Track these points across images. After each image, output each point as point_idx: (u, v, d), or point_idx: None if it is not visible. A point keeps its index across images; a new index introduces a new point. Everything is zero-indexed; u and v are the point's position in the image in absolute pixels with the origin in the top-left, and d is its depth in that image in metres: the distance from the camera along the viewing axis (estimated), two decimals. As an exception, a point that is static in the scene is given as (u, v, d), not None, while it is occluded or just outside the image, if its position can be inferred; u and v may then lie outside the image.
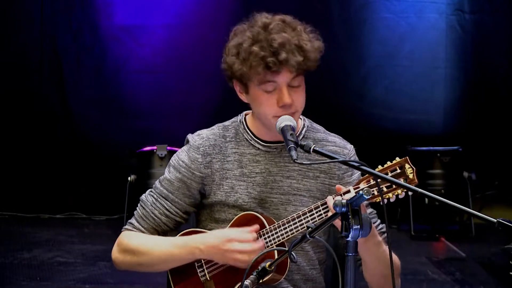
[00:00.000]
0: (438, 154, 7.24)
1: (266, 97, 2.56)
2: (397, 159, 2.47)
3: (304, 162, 2.35)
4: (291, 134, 2.41)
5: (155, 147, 6.96)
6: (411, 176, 2.44)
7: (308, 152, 2.35)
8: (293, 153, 2.33)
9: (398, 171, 2.44)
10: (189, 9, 7.89)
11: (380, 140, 7.61)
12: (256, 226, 2.60)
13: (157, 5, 7.89)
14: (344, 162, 2.51)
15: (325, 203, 2.52)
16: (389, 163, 2.47)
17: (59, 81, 7.93)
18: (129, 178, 7.04)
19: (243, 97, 2.66)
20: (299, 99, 2.58)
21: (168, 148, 6.90)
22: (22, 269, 5.94)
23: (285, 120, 2.48)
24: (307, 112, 2.79)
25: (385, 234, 2.69)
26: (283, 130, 2.45)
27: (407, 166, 2.44)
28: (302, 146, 2.35)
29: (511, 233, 1.93)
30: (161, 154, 6.90)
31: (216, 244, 2.57)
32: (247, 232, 2.57)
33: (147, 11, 7.90)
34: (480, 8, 7.85)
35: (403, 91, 7.95)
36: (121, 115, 7.93)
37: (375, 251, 2.54)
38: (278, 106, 2.55)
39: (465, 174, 7.23)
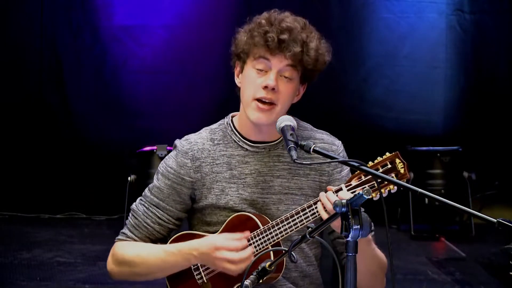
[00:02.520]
0: (438, 154, 7.24)
1: (255, 76, 2.59)
2: (387, 154, 2.48)
3: (303, 162, 2.35)
4: (291, 134, 2.40)
5: (155, 147, 6.96)
6: (402, 170, 2.45)
7: (308, 152, 2.35)
8: (293, 153, 2.33)
9: (389, 166, 2.45)
10: (189, 9, 7.89)
11: (380, 140, 7.60)
12: (247, 233, 2.60)
13: (157, 5, 7.89)
14: (345, 162, 2.51)
15: (318, 201, 2.53)
16: (379, 159, 2.48)
17: (59, 81, 7.92)
18: (129, 178, 7.03)
19: (237, 80, 2.68)
20: (285, 92, 2.59)
21: (168, 148, 6.89)
22: (22, 269, 5.94)
23: (285, 120, 2.47)
24: (307, 112, 2.79)
25: (373, 232, 2.69)
26: (283, 130, 2.44)
27: (397, 161, 2.45)
28: (302, 146, 2.35)
29: (511, 233, 1.93)
30: (161, 154, 6.89)
31: (207, 251, 2.58)
32: (237, 240, 2.58)
33: (147, 11, 7.90)
34: (480, 8, 7.85)
35: (403, 91, 7.95)
36: (121, 115, 7.93)
37: (365, 249, 2.54)
38: (262, 86, 2.57)
39: (465, 174, 7.23)
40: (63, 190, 7.89)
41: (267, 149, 2.68)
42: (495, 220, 1.95)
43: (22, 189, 7.86)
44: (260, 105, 2.58)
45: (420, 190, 2.09)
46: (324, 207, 2.49)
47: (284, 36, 2.54)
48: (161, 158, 6.85)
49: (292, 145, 2.35)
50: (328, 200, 2.47)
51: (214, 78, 7.81)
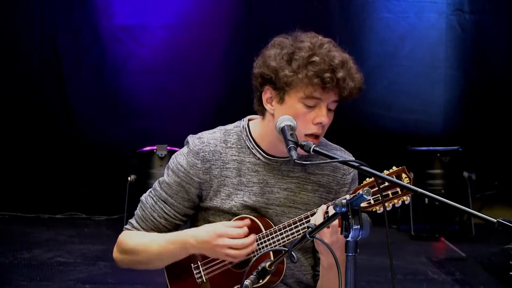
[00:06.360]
0: (438, 154, 7.24)
1: (304, 112, 2.51)
2: (394, 168, 2.47)
3: (303, 162, 2.34)
4: (291, 134, 2.40)
5: (155, 147, 6.96)
6: None
7: (308, 152, 2.34)
8: (293, 153, 2.32)
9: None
10: (189, 9, 7.89)
11: (380, 140, 7.60)
12: (247, 221, 2.60)
13: (157, 5, 7.89)
14: (344, 162, 2.50)
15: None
16: (386, 172, 2.47)
17: (59, 81, 7.92)
18: (129, 178, 7.04)
19: (269, 106, 2.58)
20: (328, 124, 2.57)
21: (168, 148, 6.90)
22: (22, 269, 5.94)
23: (285, 120, 2.46)
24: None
25: None
26: (283, 130, 2.43)
27: (403, 175, 2.45)
28: (302, 146, 2.35)
29: (511, 233, 1.93)
30: (161, 154, 6.90)
31: (207, 239, 2.58)
32: (238, 227, 2.58)
33: (147, 11, 7.90)
34: (480, 8, 7.85)
35: (403, 91, 7.95)
36: (121, 115, 7.93)
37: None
38: (313, 123, 2.52)
39: (465, 174, 7.24)
40: (63, 190, 7.88)
41: (279, 163, 2.66)
42: (495, 220, 1.95)
43: (22, 189, 7.86)
44: (310, 139, 2.50)
45: (420, 190, 2.09)
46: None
47: (341, 74, 2.48)
48: (161, 158, 6.86)
49: (292, 145, 2.35)
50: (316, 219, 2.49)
51: (214, 78, 7.81)
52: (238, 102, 2.73)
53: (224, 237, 2.56)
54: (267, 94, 2.58)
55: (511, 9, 7.83)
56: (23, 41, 7.88)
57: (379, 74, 7.94)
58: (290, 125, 2.44)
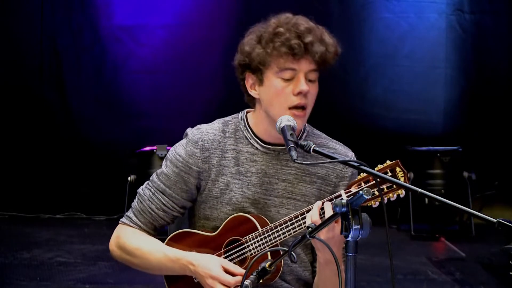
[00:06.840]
0: (438, 154, 7.24)
1: (283, 86, 2.54)
2: (388, 162, 2.47)
3: (304, 162, 2.35)
4: (291, 134, 2.40)
5: (155, 147, 6.97)
6: (402, 179, 2.44)
7: (308, 152, 2.34)
8: (293, 153, 2.32)
9: (389, 174, 2.44)
10: (189, 9, 7.89)
11: (380, 140, 7.60)
12: (242, 271, 2.61)
13: (157, 5, 7.89)
14: (344, 162, 2.51)
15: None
16: (380, 166, 2.47)
17: (59, 81, 7.93)
18: (129, 178, 7.05)
19: (253, 92, 2.62)
20: (312, 94, 2.58)
21: (168, 148, 6.89)
22: (22, 269, 5.94)
23: (285, 120, 2.47)
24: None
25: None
26: (283, 130, 2.44)
27: (398, 169, 2.45)
28: (302, 146, 2.35)
29: (511, 233, 1.93)
30: (161, 154, 6.90)
31: (202, 274, 2.61)
32: (234, 272, 2.60)
33: (147, 11, 7.90)
34: (480, 8, 7.85)
35: (403, 91, 7.95)
36: (121, 115, 7.93)
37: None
38: (294, 93, 2.53)
39: (465, 174, 7.24)
40: (63, 190, 7.89)
41: (277, 152, 2.67)
42: (495, 220, 1.95)
43: (22, 189, 7.86)
44: (296, 112, 2.54)
45: (420, 190, 2.09)
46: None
47: (309, 39, 2.50)
48: (161, 158, 6.86)
49: (292, 145, 2.35)
50: (311, 215, 2.49)
51: (214, 78, 7.81)
52: (238, 102, 2.72)
53: (216, 280, 2.59)
54: (249, 80, 2.62)
55: (511, 9, 7.83)
56: (23, 41, 7.88)
57: (379, 74, 7.95)
58: (290, 125, 2.45)
